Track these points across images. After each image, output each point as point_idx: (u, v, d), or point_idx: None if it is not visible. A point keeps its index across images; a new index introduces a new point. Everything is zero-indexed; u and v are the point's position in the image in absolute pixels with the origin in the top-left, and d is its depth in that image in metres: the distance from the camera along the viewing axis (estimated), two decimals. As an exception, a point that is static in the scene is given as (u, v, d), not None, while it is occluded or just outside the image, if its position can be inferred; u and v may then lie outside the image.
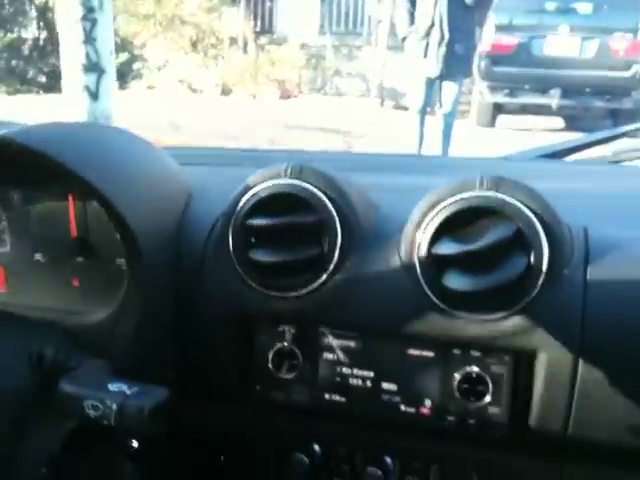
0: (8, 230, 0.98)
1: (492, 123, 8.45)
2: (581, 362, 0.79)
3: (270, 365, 0.94)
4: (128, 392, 0.75)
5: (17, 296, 0.97)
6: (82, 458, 0.89)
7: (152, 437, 0.93)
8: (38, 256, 0.98)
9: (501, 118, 8.57)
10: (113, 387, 0.76)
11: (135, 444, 0.92)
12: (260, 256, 0.87)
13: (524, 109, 8.28)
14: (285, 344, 0.93)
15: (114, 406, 0.73)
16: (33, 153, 0.81)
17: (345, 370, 0.91)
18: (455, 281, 0.80)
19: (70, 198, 0.94)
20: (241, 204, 0.89)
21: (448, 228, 0.81)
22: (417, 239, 0.83)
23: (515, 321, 0.80)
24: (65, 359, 0.84)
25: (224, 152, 1.38)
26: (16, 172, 0.92)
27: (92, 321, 0.91)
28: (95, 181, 0.84)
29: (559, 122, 8.38)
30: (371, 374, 0.90)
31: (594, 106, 7.77)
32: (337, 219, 0.86)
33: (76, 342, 0.89)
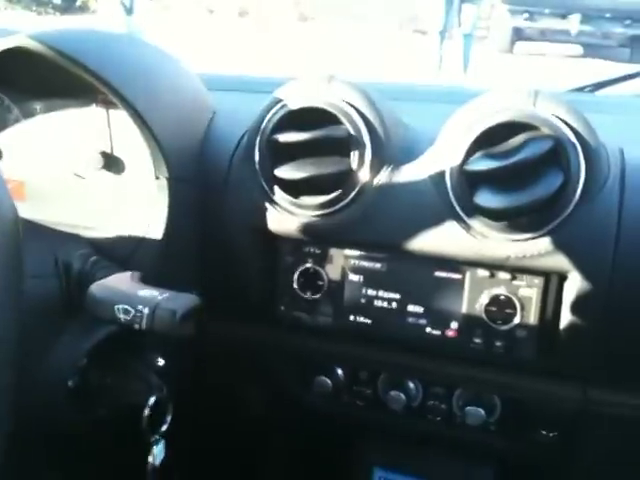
0: (31, 142, 0.97)
1: (511, 49, 8.27)
2: (613, 284, 0.77)
3: (295, 285, 0.93)
4: (159, 297, 0.74)
5: (40, 211, 0.97)
6: (108, 371, 0.89)
7: (179, 353, 0.93)
8: (60, 170, 0.97)
9: (520, 45, 8.39)
10: (144, 292, 0.76)
11: (161, 362, 0.92)
12: (286, 172, 0.86)
13: (543, 35, 8.10)
14: (310, 265, 0.92)
15: (146, 310, 0.73)
16: (65, 57, 0.79)
17: (371, 292, 0.91)
18: (487, 199, 0.78)
19: (97, 110, 0.92)
20: (268, 118, 0.87)
21: (482, 144, 0.79)
22: (449, 155, 0.81)
23: (547, 241, 0.78)
24: (92, 269, 0.84)
25: (249, 79, 1.35)
26: (40, 81, 0.91)
27: (117, 235, 0.91)
28: (125, 90, 0.83)
29: (578, 50, 8.19)
30: (397, 296, 0.89)
31: (613, 32, 7.61)
32: (367, 133, 0.84)
33: (103, 255, 0.89)
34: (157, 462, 0.87)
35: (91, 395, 0.88)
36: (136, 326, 0.73)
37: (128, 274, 0.84)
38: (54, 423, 0.86)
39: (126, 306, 0.74)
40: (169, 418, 0.88)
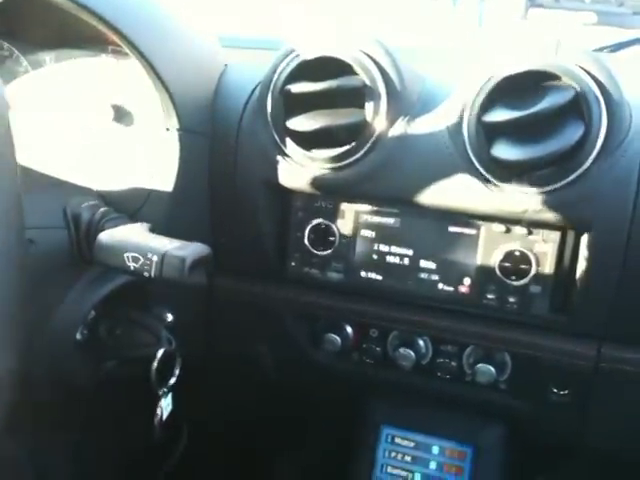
0: (42, 95, 0.96)
1: (524, 15, 8.20)
2: (631, 239, 0.76)
3: (306, 241, 0.92)
4: (169, 245, 0.73)
5: (50, 162, 0.95)
6: (117, 324, 0.89)
7: (188, 308, 0.93)
8: (70, 121, 0.95)
9: (533, 12, 8.30)
10: (153, 241, 0.75)
11: (170, 317, 0.92)
12: (299, 124, 0.84)
13: (557, 2, 8.03)
14: (322, 220, 0.91)
15: (155, 257, 0.71)
16: (77, 3, 0.77)
17: (383, 247, 0.89)
18: (505, 150, 0.76)
19: (107, 61, 0.91)
20: (280, 69, 0.85)
21: (500, 94, 0.77)
22: (467, 106, 0.79)
23: (566, 194, 0.76)
24: (102, 220, 0.83)
25: (262, 37, 1.33)
26: (49, 31, 0.89)
27: (127, 187, 0.90)
28: (138, 39, 0.81)
29: (592, 17, 8.10)
30: (410, 252, 0.88)
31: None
32: (383, 83, 0.82)
33: (113, 207, 0.87)
34: (164, 414, 0.87)
35: (100, 348, 0.87)
36: (145, 274, 0.72)
37: (137, 224, 0.83)
38: (64, 376, 0.85)
39: (135, 254, 0.73)
40: (177, 371, 0.88)
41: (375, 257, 0.90)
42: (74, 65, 0.93)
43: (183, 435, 1.18)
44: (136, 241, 0.75)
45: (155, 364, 0.85)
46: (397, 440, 1.01)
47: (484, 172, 0.79)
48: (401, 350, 0.93)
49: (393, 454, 1.00)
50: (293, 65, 0.84)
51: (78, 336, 0.86)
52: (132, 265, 0.73)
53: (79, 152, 0.95)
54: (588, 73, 0.74)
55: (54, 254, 0.82)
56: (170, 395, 0.89)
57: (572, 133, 0.74)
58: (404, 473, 0.99)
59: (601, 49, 1.25)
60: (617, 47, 1.27)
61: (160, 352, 0.84)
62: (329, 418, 1.15)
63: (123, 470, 1.09)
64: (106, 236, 0.76)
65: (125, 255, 0.73)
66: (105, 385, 0.90)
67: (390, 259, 0.89)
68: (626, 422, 0.88)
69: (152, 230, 0.83)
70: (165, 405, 0.87)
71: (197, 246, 0.75)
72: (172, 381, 0.88)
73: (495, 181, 0.79)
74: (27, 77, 0.96)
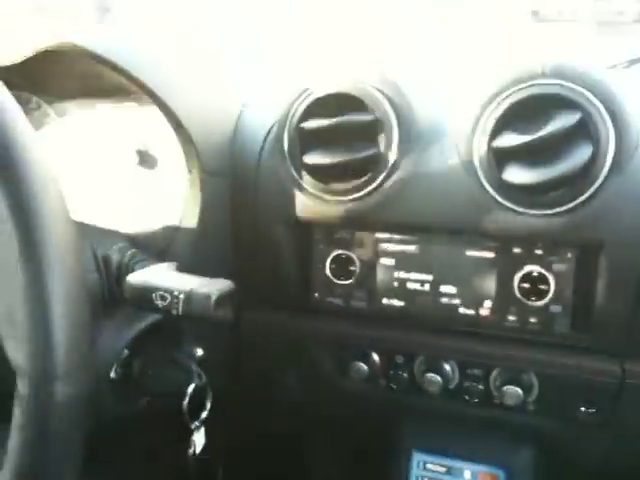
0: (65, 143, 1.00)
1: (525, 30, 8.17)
2: None
3: (328, 272, 0.94)
4: (195, 282, 0.76)
5: (77, 209, 0.99)
6: (149, 362, 0.91)
7: (217, 343, 0.95)
8: (95, 168, 0.99)
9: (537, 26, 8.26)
10: (180, 279, 0.78)
11: (200, 352, 0.94)
12: (315, 159, 0.87)
13: (560, 15, 8.00)
14: (342, 250, 0.93)
15: (181, 295, 0.74)
16: (101, 60, 0.82)
17: (403, 274, 0.91)
18: (516, 175, 0.78)
19: (130, 108, 0.95)
20: (295, 107, 0.89)
21: (509, 120, 0.79)
22: (477, 133, 0.81)
23: (579, 213, 0.78)
24: (130, 262, 0.86)
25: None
26: (73, 82, 0.94)
27: (153, 229, 0.93)
28: (158, 89, 0.85)
29: (592, 27, 8.04)
30: (429, 277, 0.90)
31: (627, 8, 7.44)
32: (394, 117, 0.85)
33: (140, 249, 0.90)
34: (198, 449, 0.89)
35: (133, 385, 0.90)
36: (173, 311, 0.75)
37: (165, 264, 0.85)
38: (98, 415, 0.88)
39: (163, 292, 0.75)
40: (209, 405, 0.90)
41: (396, 284, 0.92)
42: (98, 114, 0.98)
43: (219, 472, 1.19)
44: (163, 280, 0.78)
45: (187, 399, 0.87)
46: (429, 465, 1.01)
47: (497, 197, 0.81)
48: (428, 375, 0.94)
49: (425, 479, 1.01)
50: (307, 102, 0.88)
51: (112, 375, 0.89)
52: (160, 303, 0.75)
53: (106, 197, 0.99)
54: (593, 93, 0.76)
55: (91, 296, 0.85)
56: (202, 429, 0.90)
57: (581, 154, 0.76)
58: (437, 498, 0.99)
59: (614, 66, 1.26)
60: (630, 63, 1.28)
61: (191, 387, 0.86)
62: (360, 446, 1.16)
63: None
64: (135, 277, 0.79)
65: (153, 294, 0.76)
66: (139, 422, 0.93)
67: (410, 285, 0.91)
68: None
69: (178, 269, 0.86)
70: (198, 439, 0.89)
71: (222, 282, 0.77)
72: (204, 415, 0.90)
73: (508, 204, 0.80)
74: (54, 126, 1.01)
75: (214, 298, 0.73)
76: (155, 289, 0.76)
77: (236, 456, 1.19)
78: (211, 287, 0.75)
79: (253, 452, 1.20)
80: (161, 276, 0.80)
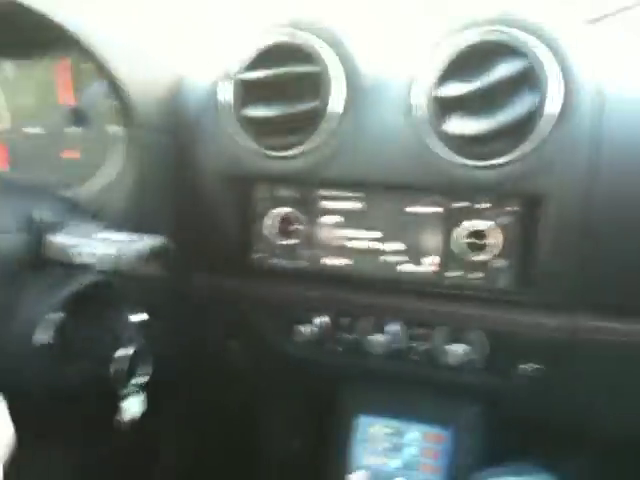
0: (5, 105, 0.95)
1: None
2: (591, 208, 0.76)
3: (270, 231, 0.91)
4: (125, 238, 0.72)
5: (18, 172, 0.94)
6: (83, 325, 0.87)
7: (156, 307, 0.91)
8: (35, 129, 0.95)
9: None
10: (108, 235, 0.74)
11: (144, 316, 0.90)
12: (256, 112, 0.84)
13: None
14: (284, 209, 0.90)
15: (111, 250, 0.70)
16: (34, 14, 0.77)
17: (347, 233, 0.89)
18: (460, 125, 0.76)
19: (63, 66, 0.90)
20: (235, 59, 0.85)
21: (452, 69, 0.77)
22: (420, 84, 0.79)
23: (523, 164, 0.76)
24: (64, 221, 0.82)
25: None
26: (8, 40, 0.88)
27: (89, 190, 0.89)
28: (95, 46, 0.80)
29: None
30: (373, 235, 0.88)
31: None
32: (339, 69, 0.82)
33: (76, 209, 0.86)
34: (133, 415, 0.85)
35: (66, 349, 0.86)
36: (103, 267, 0.71)
37: (94, 223, 0.82)
38: (31, 379, 0.84)
39: (92, 249, 0.72)
40: (150, 370, 0.86)
41: (340, 242, 0.90)
42: (33, 72, 0.93)
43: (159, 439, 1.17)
44: (93, 237, 0.74)
45: (116, 364, 0.83)
46: (374, 428, 1.00)
47: (441, 148, 0.79)
48: (372, 336, 0.92)
49: (371, 442, 1.00)
50: (248, 54, 0.84)
51: (44, 338, 0.85)
52: (90, 260, 0.72)
53: (42, 157, 0.94)
54: (541, 40, 0.75)
55: (12, 257, 0.81)
56: (137, 396, 0.87)
57: (526, 103, 0.74)
58: (383, 460, 0.98)
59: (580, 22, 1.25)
60: (595, 20, 1.27)
61: (119, 352, 0.83)
62: (306, 411, 1.14)
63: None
64: (57, 236, 0.75)
65: (75, 250, 0.72)
66: (75, 389, 0.89)
67: (355, 244, 0.89)
68: (602, 395, 0.88)
69: (112, 229, 0.82)
70: (130, 406, 0.85)
71: (153, 238, 0.74)
72: (139, 381, 0.86)
73: (453, 156, 0.79)
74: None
75: (145, 252, 0.70)
76: (78, 245, 0.72)
77: (187, 424, 1.17)
78: (141, 242, 0.71)
79: (203, 420, 1.17)
80: (87, 233, 0.76)
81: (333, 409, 1.02)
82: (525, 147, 0.76)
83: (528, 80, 0.74)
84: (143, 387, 0.88)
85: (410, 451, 0.98)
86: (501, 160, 0.77)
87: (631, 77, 0.79)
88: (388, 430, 0.99)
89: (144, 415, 0.89)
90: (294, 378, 1.03)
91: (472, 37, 0.75)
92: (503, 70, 0.74)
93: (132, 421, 0.86)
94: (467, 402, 0.97)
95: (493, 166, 0.77)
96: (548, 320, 0.84)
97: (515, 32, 0.74)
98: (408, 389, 0.98)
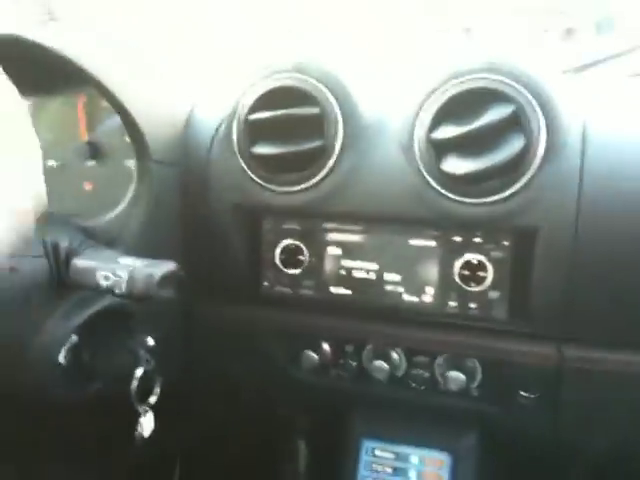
0: None
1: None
2: (578, 241, 0.80)
3: (277, 261, 0.96)
4: (138, 263, 0.78)
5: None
6: (99, 347, 0.92)
7: (167, 332, 0.96)
8: (51, 163, 1.01)
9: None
10: (124, 260, 0.79)
11: (151, 342, 0.95)
12: (263, 150, 0.89)
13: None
14: (291, 240, 0.95)
15: (124, 274, 0.76)
16: (50, 53, 0.83)
17: (349, 263, 0.94)
18: (453, 165, 0.81)
19: (80, 102, 0.96)
20: (243, 101, 0.91)
21: (447, 113, 0.82)
22: (416, 125, 0.84)
23: (513, 202, 0.81)
24: (80, 247, 0.87)
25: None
26: (27, 77, 0.95)
27: (104, 220, 0.94)
28: (107, 81, 0.86)
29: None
30: (374, 266, 0.92)
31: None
32: (338, 110, 0.88)
33: (91, 237, 0.92)
34: (145, 433, 0.90)
35: (83, 371, 0.91)
36: (117, 291, 0.76)
37: (110, 250, 0.87)
38: (48, 400, 0.89)
39: (106, 272, 0.77)
40: (158, 390, 0.91)
41: (343, 273, 0.94)
42: (50, 109, 0.99)
43: (176, 459, 1.21)
44: (108, 261, 0.79)
45: (134, 382, 0.88)
46: (377, 452, 1.03)
47: (436, 186, 0.83)
48: (376, 363, 0.96)
49: (374, 466, 1.03)
50: (255, 96, 0.90)
51: (61, 360, 0.90)
52: (104, 283, 0.77)
53: (59, 190, 1.00)
54: (526, 87, 0.79)
55: (36, 281, 0.86)
56: (151, 414, 0.91)
57: (514, 145, 0.79)
58: (385, 483, 1.02)
59: (568, 70, 1.29)
60: (582, 68, 1.31)
61: (139, 371, 0.88)
62: (312, 434, 1.18)
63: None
64: (80, 259, 0.81)
65: (97, 274, 0.78)
66: (90, 409, 0.94)
67: (357, 274, 0.94)
68: (594, 420, 0.91)
69: (125, 254, 0.87)
70: (146, 422, 0.90)
71: (165, 263, 0.79)
72: (152, 400, 0.91)
73: (447, 193, 0.83)
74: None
75: (157, 277, 0.75)
76: (99, 269, 0.78)
77: (194, 444, 1.21)
78: (154, 267, 0.77)
79: (210, 441, 1.21)
80: (106, 258, 0.81)
81: (338, 432, 1.05)
82: (515, 185, 0.80)
83: (515, 124, 0.79)
84: (154, 407, 0.93)
85: (412, 474, 1.01)
86: (493, 198, 0.81)
87: (612, 119, 0.83)
88: (390, 454, 1.03)
89: (154, 433, 0.94)
90: (301, 402, 1.07)
91: (463, 84, 0.80)
92: (492, 115, 0.78)
93: (145, 439, 0.91)
94: (466, 428, 1.00)
95: (486, 203, 0.82)
96: (540, 349, 0.87)
97: (502, 79, 0.79)
98: (410, 414, 1.01)
